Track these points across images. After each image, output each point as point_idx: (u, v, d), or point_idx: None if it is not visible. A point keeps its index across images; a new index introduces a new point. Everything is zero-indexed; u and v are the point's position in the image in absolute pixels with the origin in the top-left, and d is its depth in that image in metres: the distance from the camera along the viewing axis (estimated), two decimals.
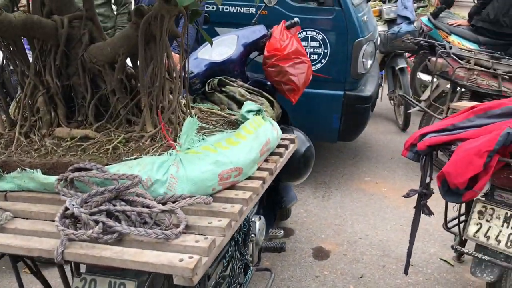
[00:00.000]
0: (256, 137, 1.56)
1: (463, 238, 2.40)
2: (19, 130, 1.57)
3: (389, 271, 2.90)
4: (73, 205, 1.16)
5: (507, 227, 2.14)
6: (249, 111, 1.71)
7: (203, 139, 1.47)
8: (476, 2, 5.26)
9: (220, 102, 2.38)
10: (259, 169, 1.56)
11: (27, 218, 1.33)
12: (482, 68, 3.81)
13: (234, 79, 2.49)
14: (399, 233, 3.30)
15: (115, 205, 1.22)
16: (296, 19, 2.66)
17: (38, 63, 1.61)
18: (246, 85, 2.49)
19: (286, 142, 1.85)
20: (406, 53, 5.34)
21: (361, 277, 2.84)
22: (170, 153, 1.36)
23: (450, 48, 3.92)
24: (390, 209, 3.62)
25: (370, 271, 2.89)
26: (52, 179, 1.37)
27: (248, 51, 2.65)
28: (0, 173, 1.44)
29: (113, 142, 1.45)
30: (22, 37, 1.60)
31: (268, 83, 2.66)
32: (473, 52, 3.95)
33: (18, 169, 1.42)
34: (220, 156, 1.38)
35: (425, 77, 5.58)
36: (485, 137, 1.86)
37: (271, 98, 2.51)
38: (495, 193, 2.20)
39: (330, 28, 3.38)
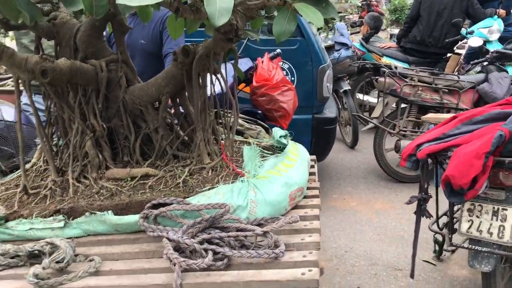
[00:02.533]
0: (302, 158, 1.67)
1: (450, 236, 2.65)
2: (72, 175, 1.55)
3: (381, 278, 3.08)
4: (180, 236, 1.20)
5: (496, 220, 2.40)
6: (281, 136, 1.82)
7: (261, 165, 1.55)
8: (403, 26, 5.80)
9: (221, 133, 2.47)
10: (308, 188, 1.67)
11: (110, 260, 1.33)
12: (425, 84, 4.23)
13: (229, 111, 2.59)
14: (379, 243, 3.51)
15: (209, 233, 1.27)
16: (278, 51, 2.84)
17: (81, 108, 1.61)
18: (242, 115, 2.60)
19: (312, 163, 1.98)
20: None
21: (358, 287, 2.99)
22: (242, 180, 1.43)
23: (396, 68, 4.31)
24: (364, 221, 3.84)
25: (365, 281, 3.05)
26: (127, 219, 1.38)
27: (237, 83, 2.76)
28: (65, 220, 1.42)
29: (180, 177, 1.49)
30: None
31: (259, 111, 2.78)
32: (415, 70, 4.37)
33: (87, 213, 1.41)
34: (286, 178, 1.48)
35: (362, 97, 6.02)
36: (480, 141, 2.12)
37: (265, 125, 2.64)
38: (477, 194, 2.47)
39: (295, 57, 3.60)
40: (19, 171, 1.70)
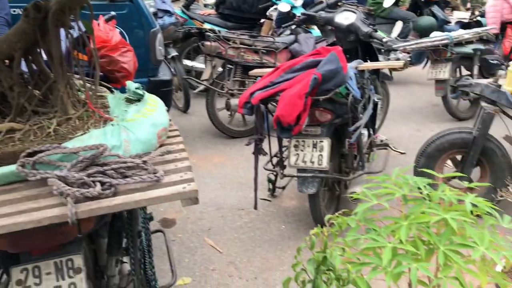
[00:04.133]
0: (160, 104, 1.86)
1: (282, 170, 3.12)
2: None
3: (228, 218, 3.46)
4: (67, 172, 1.30)
5: (316, 151, 2.92)
6: (136, 88, 1.97)
7: (126, 111, 1.70)
8: None
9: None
10: None
11: None
12: (246, 46, 4.67)
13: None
14: (221, 190, 3.88)
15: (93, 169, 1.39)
16: (113, 13, 2.89)
17: None
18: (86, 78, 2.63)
19: None
20: None
21: (209, 229, 3.31)
22: (113, 124, 1.57)
23: (219, 32, 4.65)
24: (206, 174, 4.18)
25: (214, 223, 3.39)
26: (7, 169, 1.41)
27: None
28: None
29: (48, 127, 1.55)
30: None
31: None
32: (236, 34, 4.77)
33: None
34: (152, 120, 1.66)
35: (189, 63, 6.29)
36: (300, 84, 2.56)
37: (109, 86, 2.71)
38: (302, 129, 2.96)
39: (126, 21, 3.66)
40: None
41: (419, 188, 1.46)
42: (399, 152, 4.65)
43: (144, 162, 1.46)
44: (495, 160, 3.25)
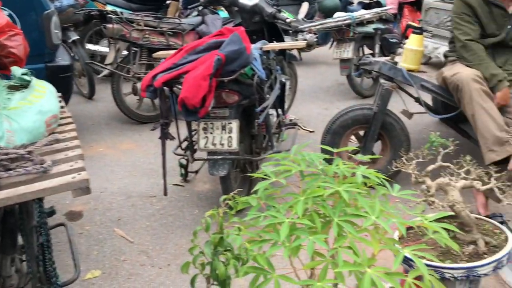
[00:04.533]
0: (49, 90, 1.74)
1: (193, 154, 3.09)
2: None
3: (139, 206, 3.36)
4: None
5: (225, 133, 2.91)
6: (22, 74, 1.83)
7: (10, 99, 1.57)
8: None
9: None
10: None
11: None
12: (151, 28, 4.52)
13: None
14: (131, 178, 3.77)
15: None
16: None
17: None
18: None
19: None
20: None
21: (118, 219, 3.20)
22: None
23: (122, 13, 4.46)
24: (114, 162, 4.03)
25: (124, 213, 3.28)
26: None
27: None
28: None
29: None
30: None
31: None
32: (140, 15, 4.60)
33: None
34: (39, 106, 1.55)
35: (92, 47, 6.00)
36: (204, 66, 2.52)
37: None
38: (210, 111, 2.92)
39: (15, 3, 3.38)
40: None
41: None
42: (308, 130, 4.79)
43: (29, 152, 1.36)
44: (394, 133, 3.44)
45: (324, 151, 1.73)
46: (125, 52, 4.74)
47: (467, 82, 2.78)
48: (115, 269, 2.70)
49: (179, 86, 2.64)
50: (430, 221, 1.44)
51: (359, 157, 1.69)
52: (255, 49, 3.07)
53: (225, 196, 1.37)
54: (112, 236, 3.00)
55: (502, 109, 2.87)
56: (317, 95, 5.95)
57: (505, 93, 2.84)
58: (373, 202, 1.36)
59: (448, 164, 2.00)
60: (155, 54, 3.35)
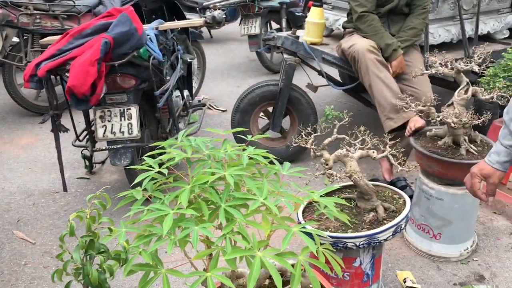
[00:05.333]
0: None
1: (93, 145, 2.91)
2: None
3: (41, 205, 3.14)
4: None
5: (124, 120, 2.76)
6: None
7: None
8: None
9: None
10: None
11: None
12: (42, 12, 4.19)
13: None
14: (31, 175, 3.50)
15: None
16: None
17: None
18: None
19: None
20: None
21: (18, 220, 2.97)
22: None
23: None
24: (12, 159, 3.73)
25: (24, 213, 3.05)
26: None
27: None
28: None
29: None
30: None
31: None
32: None
33: None
34: None
35: None
36: (91, 50, 2.34)
37: None
38: (106, 98, 2.75)
39: None
40: None
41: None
42: (220, 110, 4.73)
43: None
44: (301, 107, 3.46)
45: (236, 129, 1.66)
46: (15, 39, 4.36)
47: (363, 53, 2.83)
48: (15, 275, 2.50)
49: (67, 74, 2.45)
50: (322, 196, 1.43)
51: (267, 134, 1.64)
52: (150, 29, 2.92)
53: (91, 195, 1.27)
54: (11, 240, 2.78)
55: (398, 77, 2.96)
56: (229, 72, 5.88)
57: (400, 62, 2.92)
58: (261, 184, 1.31)
59: (343, 136, 2.01)
60: (42, 40, 3.09)
